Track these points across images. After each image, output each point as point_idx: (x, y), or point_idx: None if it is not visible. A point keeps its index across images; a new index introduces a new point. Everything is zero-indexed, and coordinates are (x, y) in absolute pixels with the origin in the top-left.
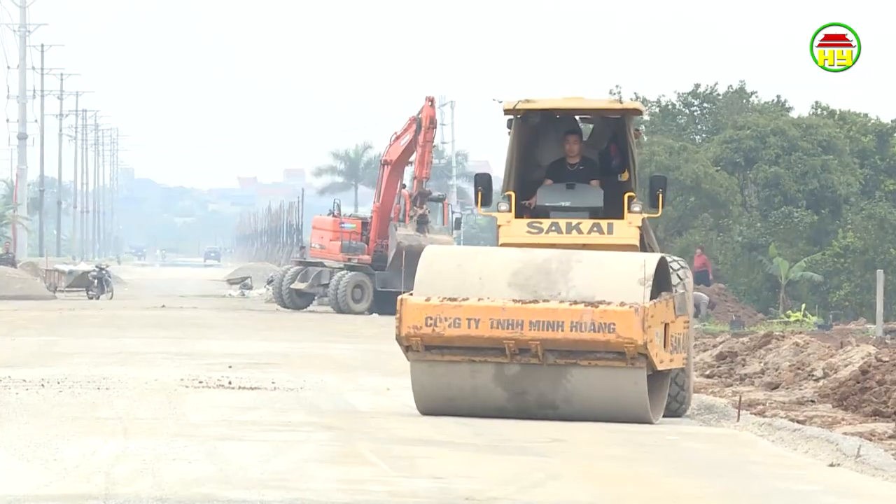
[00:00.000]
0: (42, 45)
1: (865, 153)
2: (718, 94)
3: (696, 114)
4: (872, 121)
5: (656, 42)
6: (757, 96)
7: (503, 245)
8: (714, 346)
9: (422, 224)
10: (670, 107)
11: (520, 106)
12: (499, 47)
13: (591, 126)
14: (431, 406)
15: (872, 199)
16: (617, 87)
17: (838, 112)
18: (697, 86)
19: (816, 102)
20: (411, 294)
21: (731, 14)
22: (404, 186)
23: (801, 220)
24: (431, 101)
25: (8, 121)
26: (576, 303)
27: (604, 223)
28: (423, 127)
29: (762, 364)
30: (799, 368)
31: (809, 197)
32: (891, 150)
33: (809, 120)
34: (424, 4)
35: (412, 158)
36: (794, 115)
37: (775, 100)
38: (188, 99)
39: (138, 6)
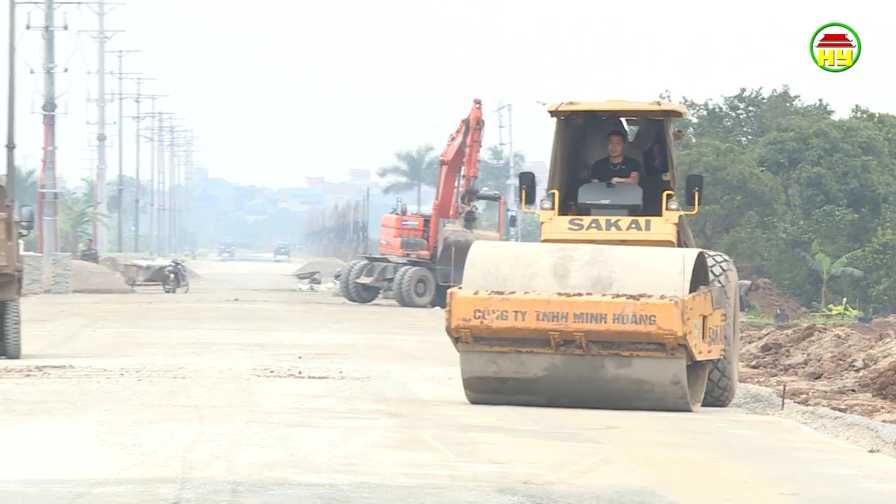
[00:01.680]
0: (120, 51)
1: None
2: (763, 98)
3: (741, 117)
4: None
5: (704, 48)
6: (800, 100)
7: (545, 241)
8: (759, 338)
9: (470, 220)
10: (717, 110)
11: (563, 108)
12: (555, 53)
13: (636, 128)
14: (480, 395)
15: None
16: (666, 91)
17: (877, 115)
18: (743, 90)
19: (857, 106)
20: (460, 288)
21: (775, 21)
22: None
23: (842, 217)
24: (479, 103)
25: (88, 123)
26: (618, 296)
27: (642, 220)
28: (470, 128)
29: (805, 355)
30: (840, 359)
31: (850, 196)
32: None
33: (850, 122)
34: (485, 12)
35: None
36: (835, 117)
37: (817, 103)
38: (259, 102)
39: (211, 14)
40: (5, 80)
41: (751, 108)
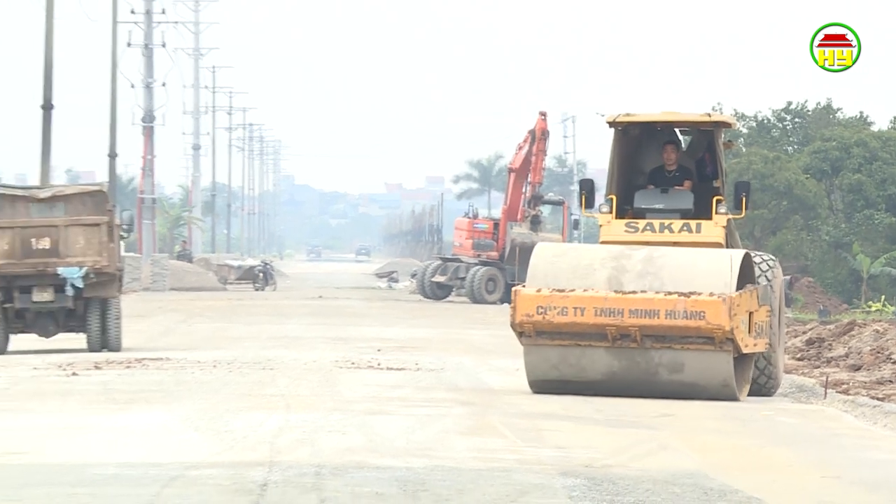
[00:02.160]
0: (213, 67)
1: None
2: (808, 111)
3: (788, 128)
4: None
5: (754, 63)
6: (842, 112)
7: (603, 242)
8: (804, 333)
9: (535, 223)
10: (766, 122)
11: (620, 119)
12: (615, 68)
13: (689, 137)
14: (542, 385)
15: None
16: (718, 103)
17: None
18: (790, 103)
19: (895, 117)
20: (524, 286)
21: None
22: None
23: (881, 221)
24: (544, 115)
25: (184, 134)
26: (670, 293)
27: (693, 223)
28: (536, 138)
29: (846, 348)
30: (879, 352)
31: (889, 201)
32: None
33: (889, 133)
34: (551, 31)
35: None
36: (874, 128)
37: (858, 115)
38: (342, 113)
39: (298, 32)
40: (108, 94)
41: (796, 120)
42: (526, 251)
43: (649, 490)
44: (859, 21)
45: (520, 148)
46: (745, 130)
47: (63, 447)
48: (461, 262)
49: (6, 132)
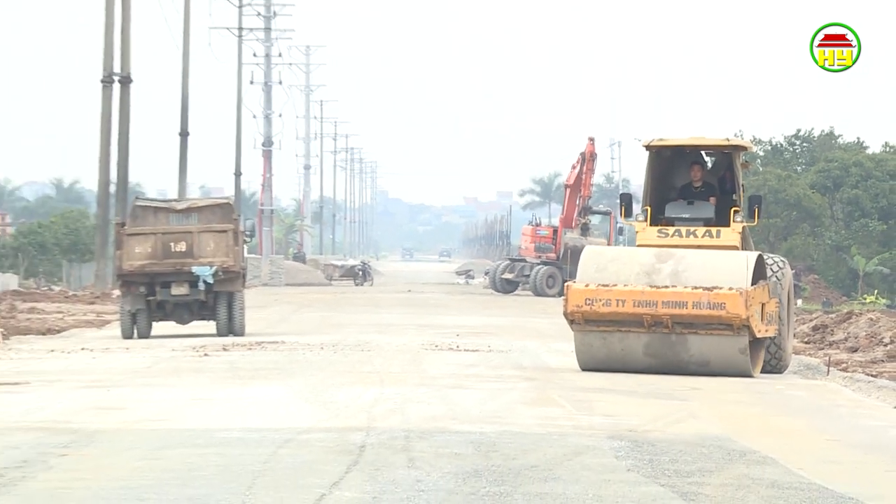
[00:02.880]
0: (321, 101)
1: None
2: (814, 137)
3: (797, 151)
4: None
5: (770, 97)
6: (842, 138)
7: (639, 245)
8: (810, 321)
9: (584, 230)
10: (778, 146)
11: (654, 143)
12: (655, 99)
13: (713, 158)
14: (589, 364)
15: None
16: (739, 130)
17: None
18: (798, 130)
19: (886, 142)
20: (574, 281)
21: (826, 77)
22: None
23: (875, 228)
24: (592, 140)
25: (296, 156)
26: (696, 288)
27: (713, 230)
28: (585, 159)
29: (845, 334)
30: (872, 337)
31: (881, 211)
32: None
33: (881, 155)
34: (598, 68)
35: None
36: (869, 151)
37: (856, 140)
38: (428, 137)
39: (392, 72)
40: (234, 124)
41: (804, 144)
42: (577, 253)
43: (682, 451)
44: (859, 21)
45: (573, 167)
46: (761, 153)
47: (196, 415)
48: (526, 262)
49: (150, 155)
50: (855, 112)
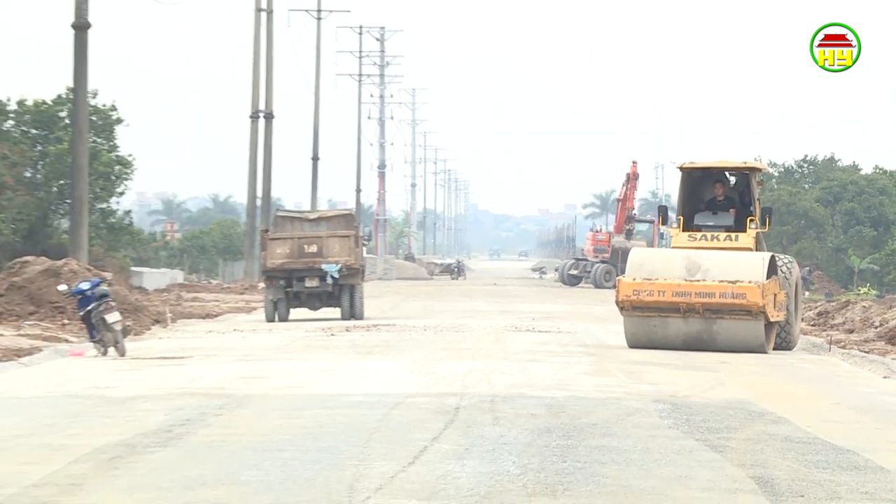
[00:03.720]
0: (425, 132)
1: None
2: (818, 160)
3: (804, 172)
4: None
5: (785, 126)
6: (841, 161)
7: (674, 247)
8: (815, 308)
9: (628, 235)
10: (790, 168)
11: (686, 165)
12: (692, 127)
13: (735, 177)
14: (636, 343)
15: None
16: (759, 155)
17: (888, 171)
18: (806, 155)
19: (877, 165)
20: (624, 276)
21: (830, 106)
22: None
23: (867, 234)
24: (635, 163)
25: (405, 176)
26: (721, 282)
27: (733, 235)
28: (630, 178)
29: (844, 318)
30: (865, 321)
31: (872, 221)
32: None
33: (872, 175)
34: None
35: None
36: (863, 172)
37: (852, 163)
38: (510, 158)
39: (484, 107)
40: (355, 151)
41: (810, 167)
42: (623, 253)
43: (712, 412)
44: (859, 21)
45: (623, 185)
46: (776, 174)
47: (324, 383)
48: (588, 260)
49: (289, 175)
50: (852, 139)
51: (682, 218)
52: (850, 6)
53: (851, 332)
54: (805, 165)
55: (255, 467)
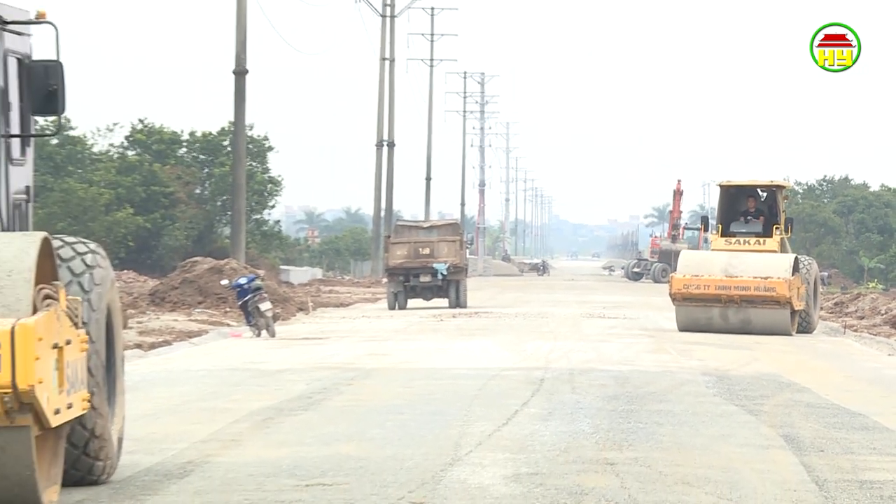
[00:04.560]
0: (517, 157)
1: None
2: (835, 179)
3: (824, 189)
4: None
5: (809, 149)
6: (854, 180)
7: (714, 250)
8: (833, 299)
9: (673, 239)
10: (812, 186)
11: (724, 183)
12: (733, 147)
13: (765, 193)
14: (685, 327)
15: None
16: (787, 175)
17: (892, 188)
18: (825, 175)
19: (882, 183)
20: (676, 273)
21: (847, 132)
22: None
23: (875, 239)
24: (679, 181)
25: (500, 193)
26: (755, 277)
27: (761, 240)
28: (676, 194)
29: (856, 307)
30: (873, 310)
31: (879, 228)
32: None
33: (879, 192)
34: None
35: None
36: (871, 189)
37: (863, 182)
38: (585, 176)
39: (567, 129)
40: (460, 172)
41: (828, 185)
42: (669, 254)
43: (749, 382)
44: (859, 21)
45: (672, 199)
46: (801, 190)
47: (435, 359)
48: (647, 260)
49: (406, 193)
50: (864, 161)
51: (720, 226)
52: (850, 6)
53: (862, 318)
54: (824, 184)
55: (379, 427)
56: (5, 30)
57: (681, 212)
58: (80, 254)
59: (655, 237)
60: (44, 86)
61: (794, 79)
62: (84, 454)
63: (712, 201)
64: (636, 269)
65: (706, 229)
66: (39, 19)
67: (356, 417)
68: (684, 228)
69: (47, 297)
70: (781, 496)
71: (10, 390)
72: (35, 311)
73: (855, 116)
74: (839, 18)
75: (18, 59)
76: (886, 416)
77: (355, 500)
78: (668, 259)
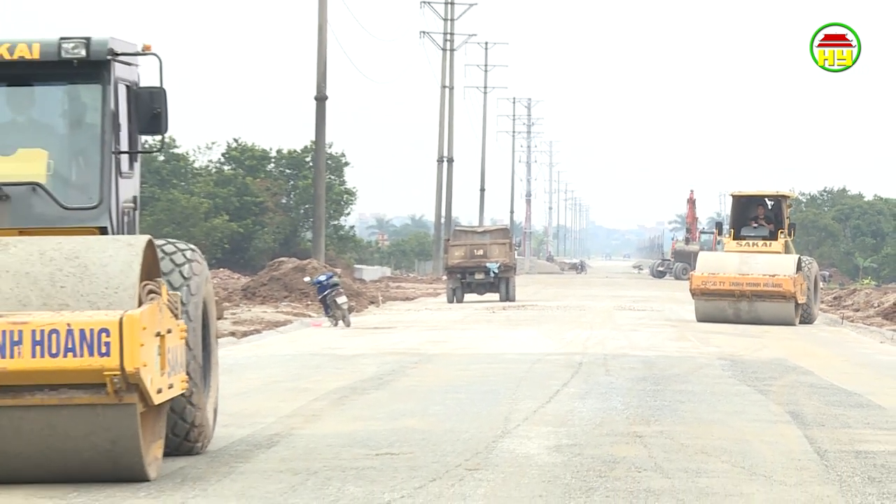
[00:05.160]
0: (559, 171)
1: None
2: (834, 190)
3: (825, 198)
4: None
5: (812, 162)
6: (850, 191)
7: (727, 251)
8: (832, 294)
9: (687, 242)
10: (814, 195)
11: (735, 193)
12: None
13: (772, 202)
14: (703, 318)
15: None
16: (793, 186)
17: (884, 198)
18: (826, 187)
19: (875, 194)
20: (695, 272)
21: (847, 146)
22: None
23: (868, 242)
24: (692, 191)
25: (545, 203)
26: (764, 275)
27: (768, 242)
28: (689, 202)
29: (852, 301)
30: (867, 303)
31: (872, 233)
32: None
33: (873, 201)
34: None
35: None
36: (866, 199)
37: (858, 192)
38: (621, 188)
39: (604, 145)
40: (510, 184)
41: (829, 195)
42: (685, 254)
43: (759, 366)
44: (859, 21)
45: (687, 207)
46: (804, 199)
47: (488, 345)
48: (670, 260)
49: (463, 202)
50: (860, 173)
51: (732, 230)
52: (850, 6)
53: (857, 310)
54: (825, 194)
55: (440, 404)
56: (116, 60)
57: (696, 217)
58: (180, 250)
59: (675, 240)
60: (149, 109)
61: (799, 86)
62: (183, 426)
63: (726, 209)
64: (660, 269)
65: (720, 233)
66: (145, 51)
67: (419, 396)
68: (701, 232)
69: (151, 291)
70: (787, 464)
71: (118, 372)
72: (140, 304)
73: (854, 126)
74: (839, 18)
75: (128, 85)
76: (879, 395)
77: (419, 467)
78: (685, 259)
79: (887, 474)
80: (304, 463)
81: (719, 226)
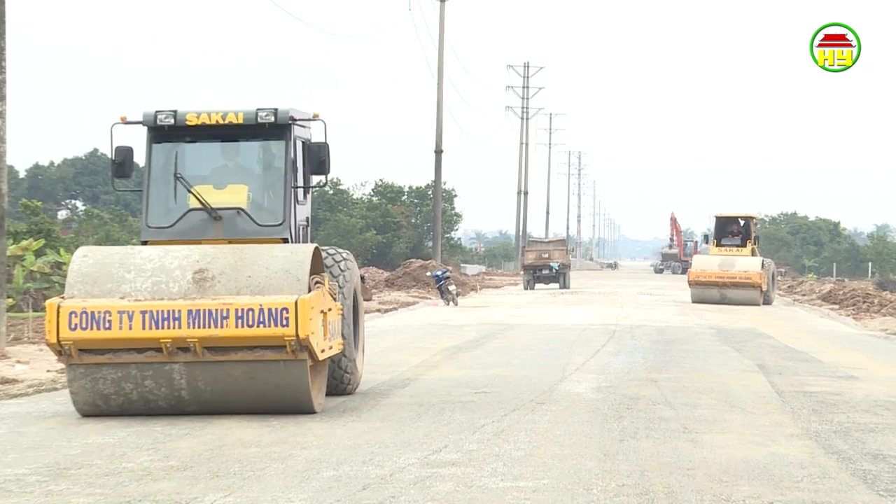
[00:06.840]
0: (593, 181)
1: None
2: (788, 213)
3: (781, 219)
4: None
5: (777, 189)
6: (798, 213)
7: (711, 255)
8: (786, 284)
9: (672, 247)
10: (775, 217)
11: (718, 214)
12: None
13: (743, 221)
14: (697, 300)
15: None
16: (759, 210)
17: (823, 218)
18: (782, 210)
19: (817, 215)
20: (690, 269)
21: (802, 173)
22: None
23: (812, 249)
24: (673, 213)
25: (590, 221)
26: (738, 271)
27: (741, 248)
28: (672, 220)
29: (800, 289)
30: (811, 290)
31: (814, 242)
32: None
33: (815, 221)
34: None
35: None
36: (811, 219)
37: (804, 215)
38: (641, 200)
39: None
40: (566, 208)
41: (785, 216)
42: (669, 256)
43: (737, 333)
44: (859, 21)
45: (670, 224)
46: (767, 219)
47: (551, 319)
48: (670, 262)
49: (535, 221)
50: (808, 198)
51: (715, 240)
52: (850, 6)
53: (804, 295)
54: (781, 216)
55: (518, 358)
56: (295, 123)
57: (679, 230)
58: (339, 253)
59: (663, 248)
60: (317, 157)
61: (778, 115)
62: (340, 374)
63: (711, 225)
64: (660, 266)
65: (707, 242)
66: (315, 118)
67: (505, 352)
68: (695, 242)
69: (317, 282)
70: (756, 399)
71: (294, 338)
72: (309, 290)
73: (813, 155)
74: (839, 18)
75: (303, 141)
76: (819, 353)
77: (504, 401)
78: (670, 259)
79: (826, 407)
80: (426, 398)
81: (706, 237)
